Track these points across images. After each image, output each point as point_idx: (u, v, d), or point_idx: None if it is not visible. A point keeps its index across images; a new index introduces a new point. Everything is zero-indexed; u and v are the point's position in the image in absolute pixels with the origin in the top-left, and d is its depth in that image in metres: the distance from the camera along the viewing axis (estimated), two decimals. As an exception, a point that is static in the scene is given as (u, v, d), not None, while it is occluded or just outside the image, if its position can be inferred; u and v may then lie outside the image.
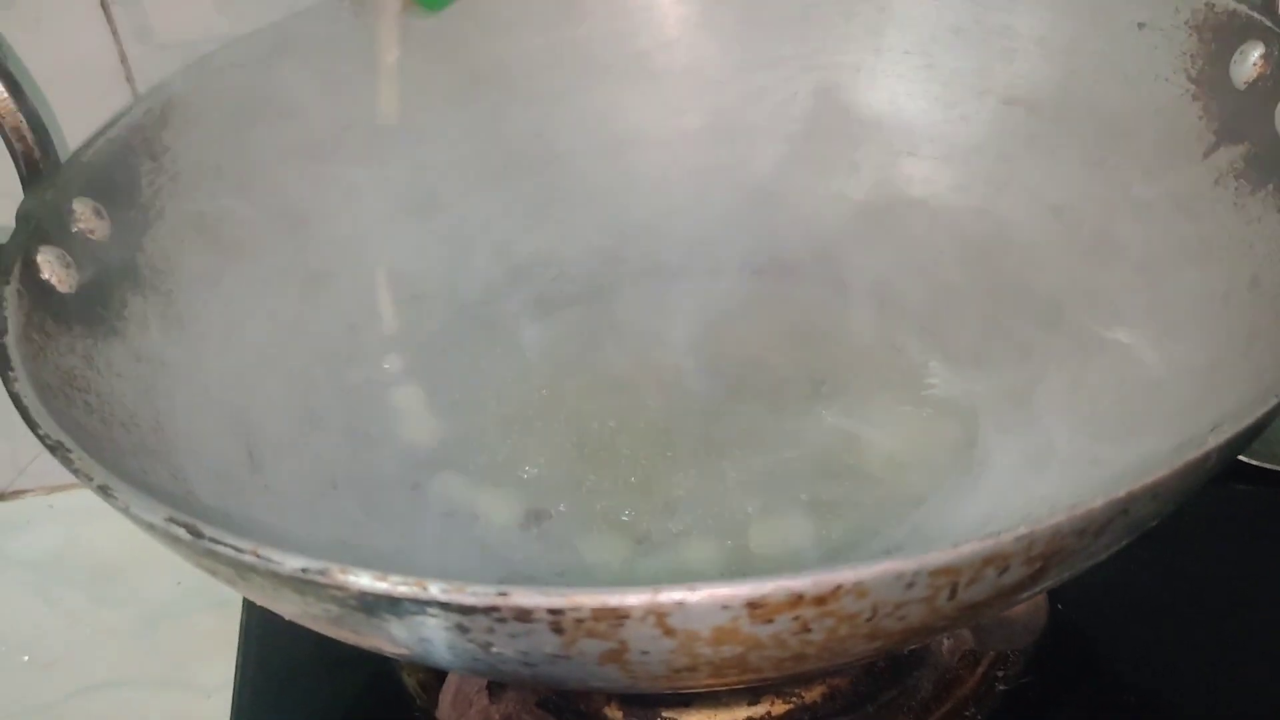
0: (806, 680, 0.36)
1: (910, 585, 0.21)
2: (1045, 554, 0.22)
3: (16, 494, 0.55)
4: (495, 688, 0.34)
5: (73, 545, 0.52)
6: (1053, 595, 0.38)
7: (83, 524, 0.53)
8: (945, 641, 0.37)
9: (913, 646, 0.27)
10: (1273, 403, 0.23)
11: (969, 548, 0.21)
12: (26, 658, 0.48)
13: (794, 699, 0.36)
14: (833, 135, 0.47)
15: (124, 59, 0.48)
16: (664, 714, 0.36)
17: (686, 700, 0.36)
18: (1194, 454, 0.22)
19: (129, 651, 0.47)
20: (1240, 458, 0.41)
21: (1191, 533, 0.41)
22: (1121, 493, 0.22)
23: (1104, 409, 0.35)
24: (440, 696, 0.34)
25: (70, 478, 0.50)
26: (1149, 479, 0.22)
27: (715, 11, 0.47)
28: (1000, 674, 0.37)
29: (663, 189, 0.47)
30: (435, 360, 0.42)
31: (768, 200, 0.47)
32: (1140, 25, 0.40)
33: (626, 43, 0.47)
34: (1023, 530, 0.21)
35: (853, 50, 0.46)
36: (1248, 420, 0.23)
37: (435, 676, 0.36)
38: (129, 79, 0.48)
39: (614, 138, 0.47)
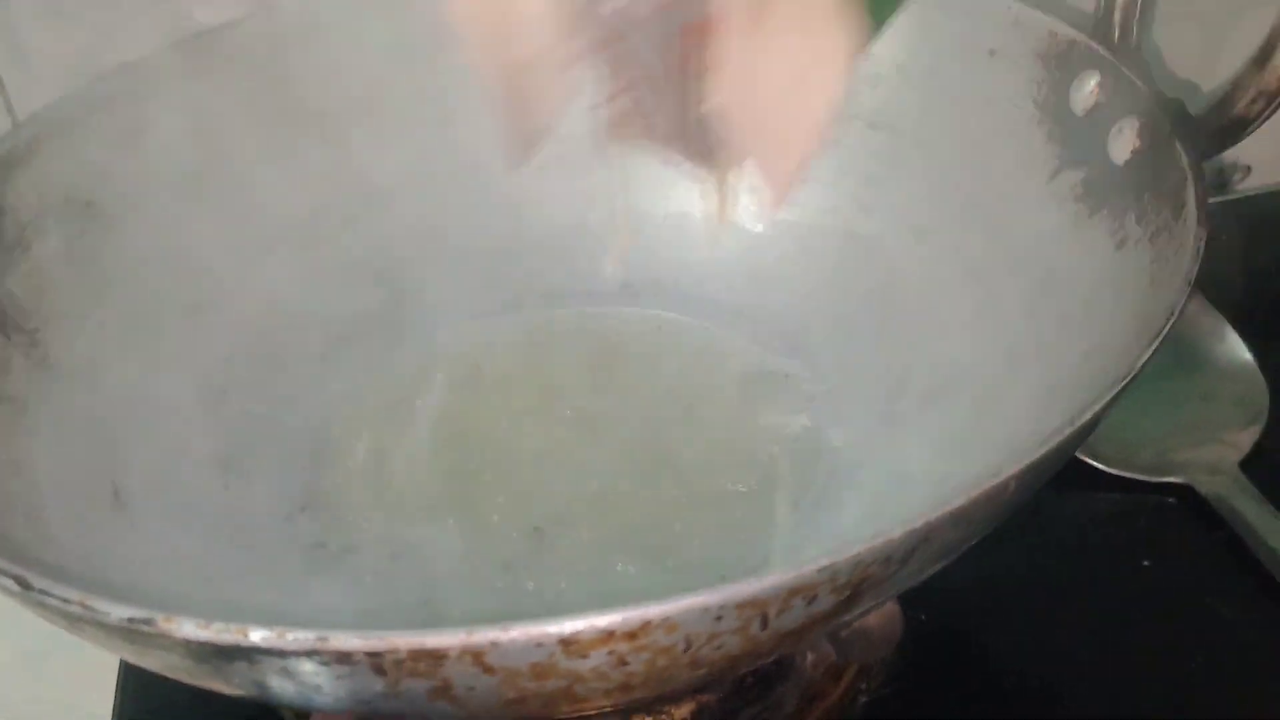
0: (674, 698, 0.37)
1: (719, 618, 0.22)
2: (853, 583, 0.23)
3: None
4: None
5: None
6: (916, 605, 0.39)
7: None
8: (809, 655, 0.38)
9: (750, 667, 0.28)
10: (1067, 432, 0.24)
11: (772, 580, 0.22)
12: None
13: (663, 716, 0.37)
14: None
15: (2, 87, 0.48)
16: (537, 734, 0.36)
17: None
18: (991, 483, 0.23)
19: (18, 686, 0.47)
20: (1094, 464, 0.43)
21: (1051, 540, 0.43)
22: (919, 523, 0.23)
23: (955, 429, 0.37)
24: (308, 728, 0.34)
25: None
26: (947, 508, 0.23)
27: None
28: (864, 685, 0.38)
29: (546, 213, 0.48)
30: (311, 390, 0.42)
31: (646, 223, 0.47)
32: (992, 53, 0.41)
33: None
34: (825, 561, 0.22)
35: (725, 74, 0.47)
36: (1042, 451, 0.24)
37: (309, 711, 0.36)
38: (9, 109, 0.48)
39: (494, 162, 0.47)
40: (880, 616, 0.36)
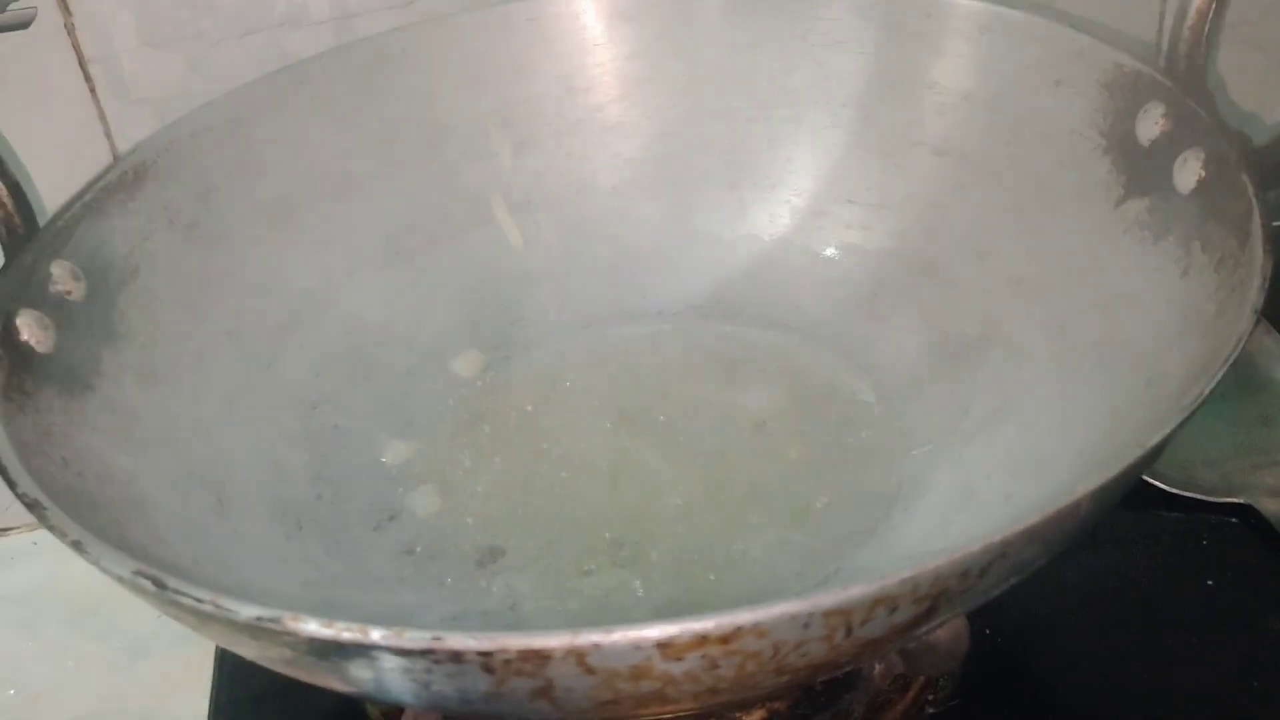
0: (746, 705, 0.38)
1: (806, 625, 0.24)
2: (932, 594, 0.24)
3: (2, 531, 0.57)
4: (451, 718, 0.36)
5: (56, 581, 0.53)
6: (982, 621, 0.40)
7: (66, 561, 0.53)
8: (877, 666, 0.39)
9: (827, 676, 0.29)
10: (1137, 454, 0.26)
11: (857, 590, 0.23)
12: (12, 691, 0.49)
13: (735, 722, 0.38)
14: (776, 183, 0.49)
15: (103, 116, 0.50)
16: (613, 742, 0.38)
17: (633, 725, 0.38)
18: (1064, 502, 0.25)
19: (110, 684, 0.49)
20: (1157, 484, 0.44)
21: (1115, 558, 0.44)
22: (997, 539, 0.24)
23: (1018, 447, 0.38)
24: (398, 726, 0.36)
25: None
26: (1023, 525, 0.24)
27: (665, 67, 0.49)
28: (930, 698, 0.39)
29: (616, 235, 0.49)
30: (396, 406, 0.44)
31: (716, 245, 0.49)
32: (1057, 83, 0.42)
33: (579, 97, 0.50)
34: (907, 573, 0.24)
35: (794, 103, 0.49)
36: (1114, 471, 0.25)
37: (396, 707, 0.38)
38: (108, 135, 0.50)
39: (568, 187, 0.50)
40: (948, 631, 0.37)
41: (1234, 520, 0.44)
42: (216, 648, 0.45)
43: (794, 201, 0.49)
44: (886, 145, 0.47)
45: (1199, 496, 0.44)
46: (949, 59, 0.45)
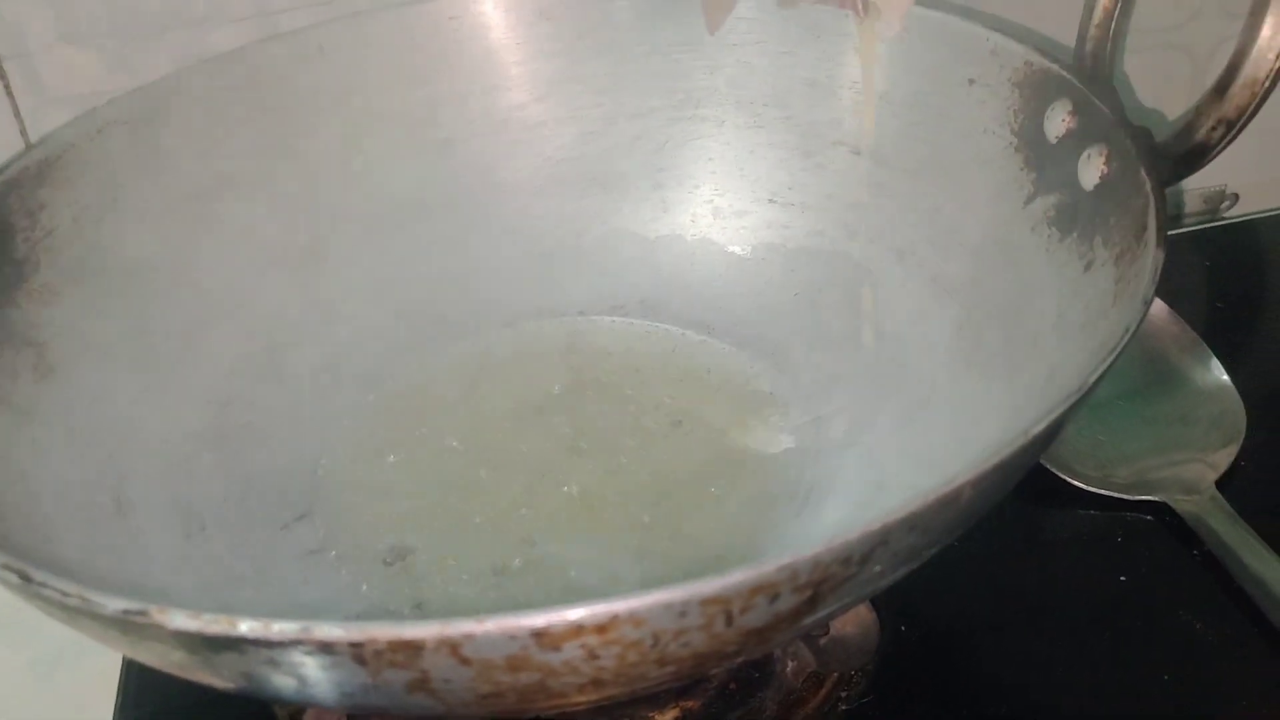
0: (658, 704, 0.38)
1: (683, 614, 0.23)
2: (813, 582, 0.24)
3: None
4: (354, 718, 0.36)
5: (-26, 592, 0.53)
6: (896, 616, 0.40)
7: None
8: (789, 663, 0.39)
9: (720, 667, 0.29)
10: (1019, 444, 0.25)
11: (735, 577, 0.23)
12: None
13: (647, 722, 0.38)
14: (698, 183, 0.49)
15: (18, 114, 0.49)
16: (522, 741, 0.37)
17: (545, 727, 0.37)
18: (945, 490, 0.24)
19: (28, 693, 0.48)
20: (1074, 482, 0.44)
21: (1031, 554, 0.44)
22: (876, 526, 0.24)
23: (927, 444, 0.38)
24: (300, 728, 0.35)
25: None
26: (902, 513, 0.24)
27: (586, 66, 0.49)
28: (844, 694, 0.39)
29: (539, 235, 0.49)
30: (310, 404, 0.44)
31: (638, 244, 0.49)
32: (971, 81, 0.42)
33: (503, 96, 0.49)
34: (785, 560, 0.23)
35: (716, 102, 0.49)
36: (993, 461, 0.25)
37: (301, 708, 0.37)
38: (24, 133, 0.50)
39: (491, 187, 0.49)
40: (858, 626, 0.37)
41: (1149, 518, 0.44)
42: (123, 659, 0.45)
43: (716, 201, 0.49)
44: (807, 145, 0.47)
45: (1115, 495, 0.44)
46: (867, 58, 0.45)
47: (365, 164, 0.48)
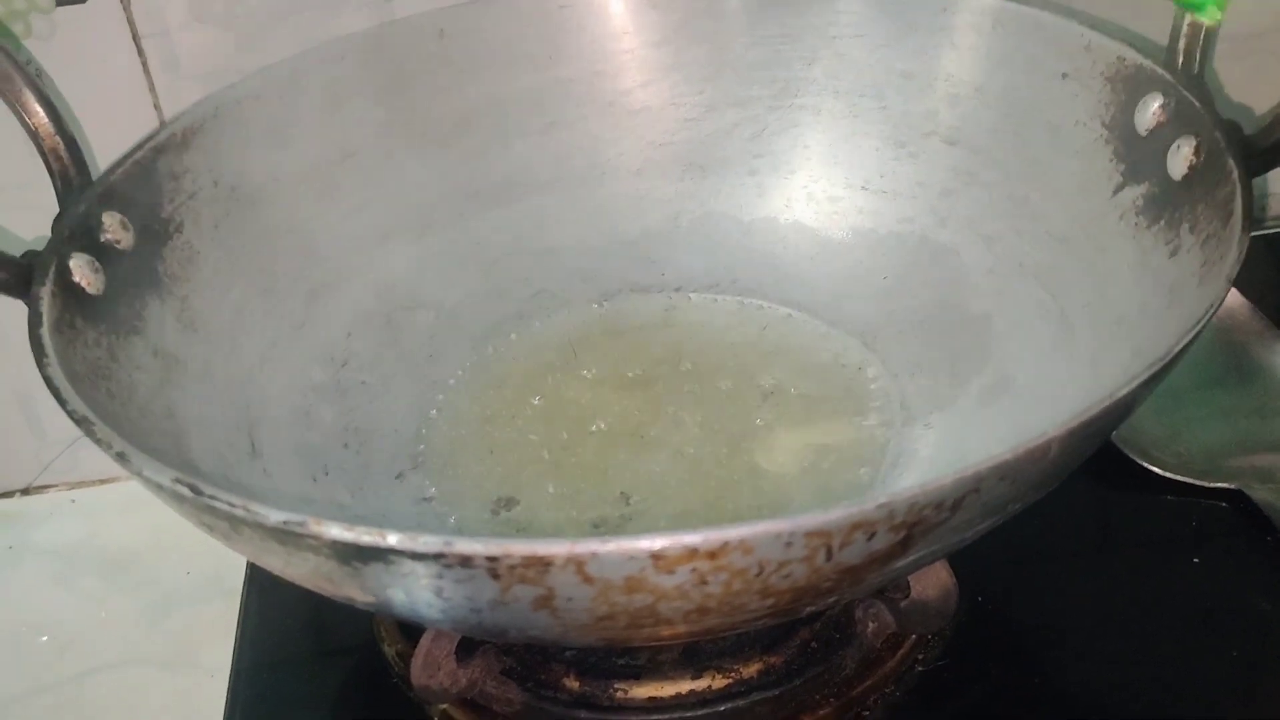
0: (745, 657, 0.40)
1: (789, 545, 0.25)
2: (907, 523, 0.26)
3: (41, 489, 0.59)
4: (462, 654, 0.38)
5: (92, 537, 0.56)
6: (973, 587, 0.42)
7: (101, 518, 0.57)
8: (870, 624, 0.40)
9: (810, 608, 0.31)
10: (1104, 404, 0.27)
11: (837, 513, 0.25)
12: (45, 638, 0.51)
13: (732, 673, 0.40)
14: (794, 169, 0.51)
15: (153, 89, 0.53)
16: (616, 685, 0.40)
17: (636, 673, 0.40)
18: (1035, 443, 0.26)
19: (139, 635, 0.51)
20: (1151, 468, 0.46)
21: (1107, 536, 0.45)
22: (969, 472, 0.26)
23: (1011, 419, 0.40)
24: (412, 661, 0.38)
25: (91, 474, 0.54)
26: (994, 461, 0.26)
27: (688, 54, 0.51)
28: (920, 656, 0.41)
29: (637, 215, 0.51)
30: (421, 365, 0.46)
31: (733, 226, 0.51)
32: (1064, 75, 0.44)
33: (608, 82, 0.52)
34: (883, 499, 0.25)
35: (814, 92, 0.50)
36: (1081, 419, 0.27)
37: (410, 647, 0.40)
38: (156, 106, 0.53)
39: (594, 168, 0.52)
40: (938, 591, 0.39)
41: (1224, 505, 0.45)
42: (241, 601, 0.47)
43: (810, 187, 0.51)
44: (901, 135, 0.49)
45: (1191, 481, 0.46)
46: (963, 52, 0.47)
47: (476, 142, 0.51)
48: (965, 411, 0.42)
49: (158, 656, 0.50)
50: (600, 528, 0.40)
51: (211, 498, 0.27)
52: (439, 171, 0.50)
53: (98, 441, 0.29)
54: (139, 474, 0.28)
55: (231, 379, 0.41)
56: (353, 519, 0.38)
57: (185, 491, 0.27)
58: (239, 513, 0.27)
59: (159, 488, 0.28)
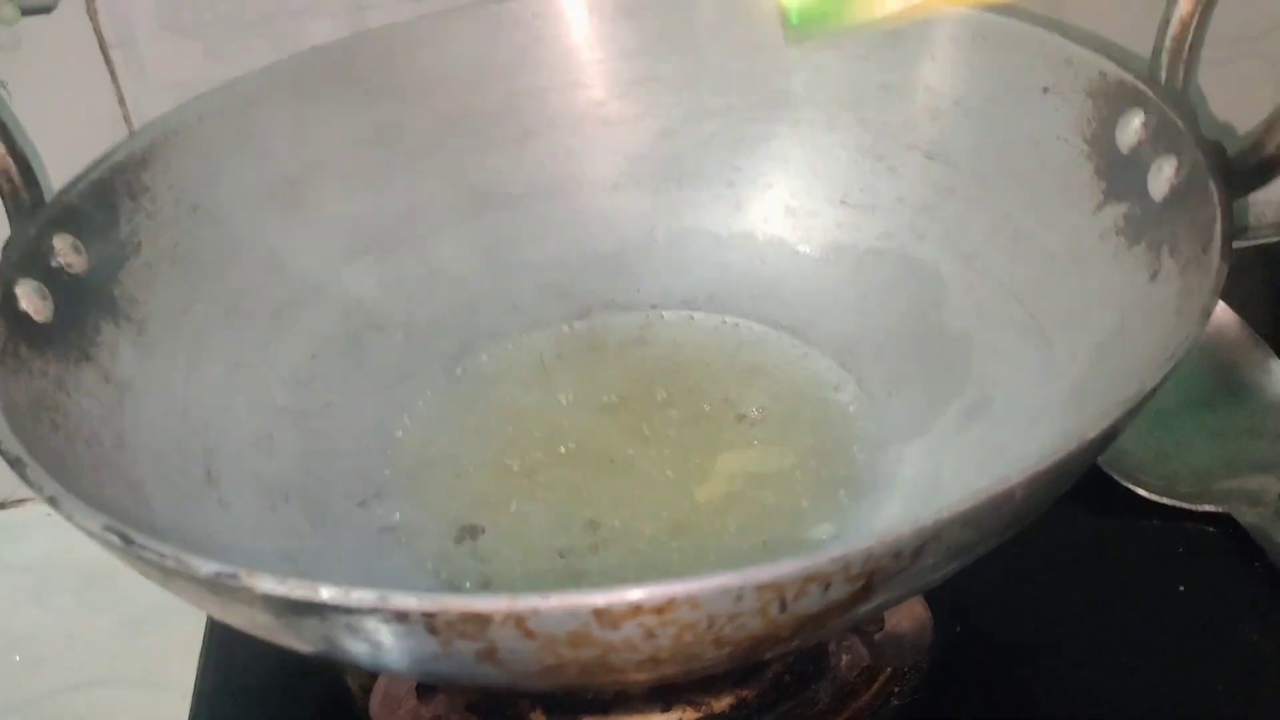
0: (714, 691, 0.39)
1: (739, 599, 0.24)
2: (866, 573, 0.25)
3: (17, 503, 0.59)
4: (423, 690, 0.37)
5: (66, 553, 0.55)
6: (951, 615, 0.41)
7: (76, 533, 0.55)
8: (844, 656, 0.39)
9: (771, 654, 0.30)
10: (1072, 446, 0.26)
11: (788, 566, 0.24)
12: (18, 657, 0.51)
13: (704, 707, 0.39)
14: (772, 182, 0.50)
15: (122, 100, 0.52)
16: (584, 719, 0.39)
17: (605, 707, 0.39)
18: (997, 489, 0.25)
19: (113, 653, 0.50)
20: (1138, 491, 0.45)
21: (1090, 560, 0.44)
22: (928, 521, 0.25)
23: (987, 444, 0.38)
24: (370, 699, 0.37)
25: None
26: (955, 509, 0.25)
27: (665, 65, 0.50)
28: (896, 689, 0.40)
29: (613, 229, 0.50)
30: (389, 386, 0.45)
31: (710, 242, 0.50)
32: (1045, 89, 0.43)
33: (583, 93, 0.51)
34: (838, 552, 0.24)
35: (793, 104, 0.49)
36: (1047, 462, 0.26)
37: (372, 680, 0.39)
38: (126, 118, 0.52)
39: (569, 181, 0.51)
40: (913, 623, 0.38)
41: (1212, 529, 0.44)
42: (206, 622, 0.47)
43: (788, 201, 0.50)
44: (880, 148, 0.48)
45: (1179, 504, 0.45)
46: (942, 64, 0.46)
47: (448, 155, 0.50)
48: (944, 433, 0.41)
49: (130, 675, 0.50)
50: (567, 557, 0.39)
51: (141, 547, 0.26)
52: (409, 186, 0.49)
53: (29, 484, 0.28)
54: (69, 519, 0.27)
55: (189, 404, 0.40)
56: (309, 552, 0.37)
57: (115, 540, 0.26)
58: (169, 563, 0.26)
59: (89, 534, 0.27)
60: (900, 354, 0.44)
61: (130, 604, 0.52)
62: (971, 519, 0.25)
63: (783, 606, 0.25)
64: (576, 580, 0.38)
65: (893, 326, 0.45)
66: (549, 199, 0.50)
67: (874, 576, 0.25)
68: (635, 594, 0.24)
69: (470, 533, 0.40)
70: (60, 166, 0.47)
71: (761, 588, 0.24)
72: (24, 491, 0.58)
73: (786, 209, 0.50)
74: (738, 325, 0.48)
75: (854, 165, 0.48)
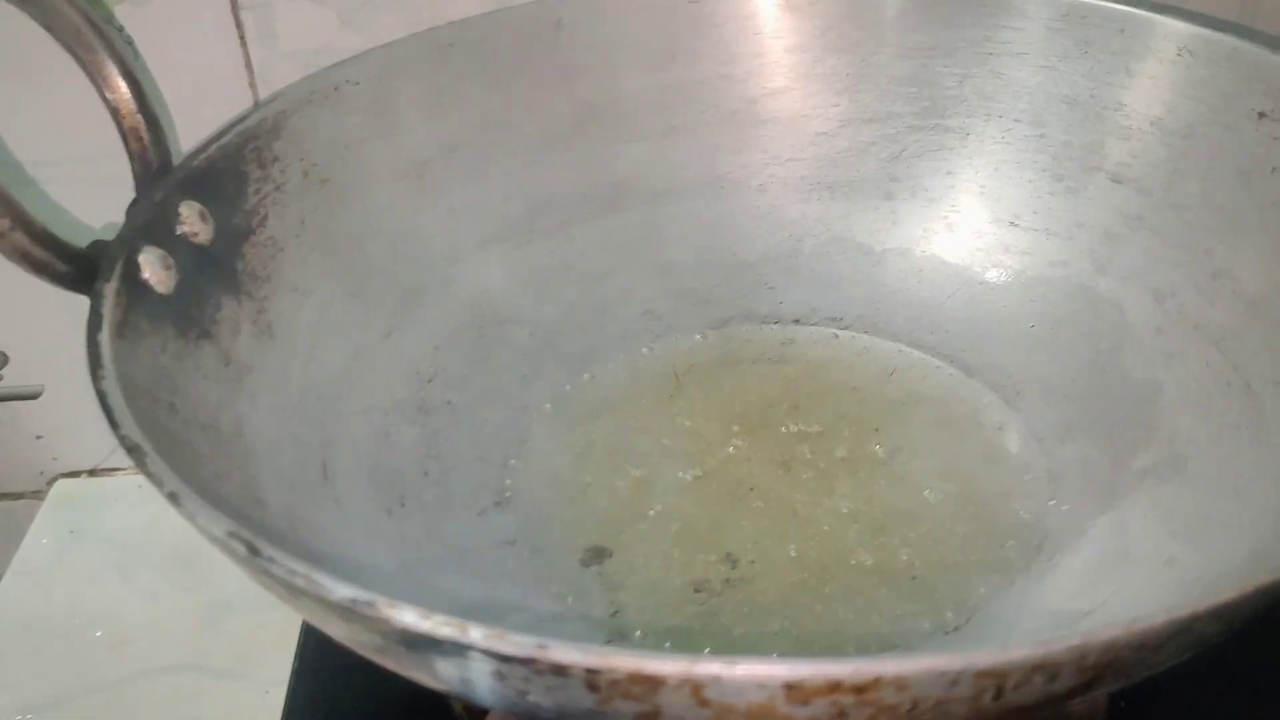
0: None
1: (954, 684, 0.21)
2: (1099, 665, 0.22)
3: (109, 472, 0.57)
4: None
5: (155, 528, 0.54)
6: (1119, 691, 0.37)
7: (165, 507, 0.54)
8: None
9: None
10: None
11: (1019, 652, 0.21)
12: (99, 633, 0.49)
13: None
14: (934, 197, 0.46)
15: (249, 65, 0.49)
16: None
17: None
18: (1267, 579, 0.21)
19: (196, 639, 0.49)
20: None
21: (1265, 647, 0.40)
22: (1185, 613, 0.21)
23: (1183, 507, 0.34)
24: (483, 723, 0.34)
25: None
26: (1216, 600, 0.21)
27: (827, 63, 0.47)
28: (1058, 767, 0.36)
29: (757, 235, 0.47)
30: (513, 387, 0.43)
31: (862, 256, 0.47)
32: (1260, 115, 0.39)
33: (735, 88, 0.47)
34: (1076, 641, 0.21)
35: (963, 113, 0.46)
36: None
37: (482, 711, 0.36)
38: (252, 85, 0.50)
39: (714, 180, 0.47)
40: (1085, 705, 0.34)
41: None
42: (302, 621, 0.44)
43: (951, 218, 0.46)
44: (1060, 167, 0.44)
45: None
46: (1140, 80, 0.42)
47: (588, 145, 0.47)
48: (1127, 490, 0.36)
49: (212, 664, 0.48)
50: (702, 592, 0.36)
51: (270, 560, 0.23)
52: (545, 174, 0.46)
53: (149, 476, 0.26)
54: (191, 520, 0.25)
55: (308, 392, 0.37)
56: (426, 563, 0.34)
57: (240, 549, 0.23)
58: (299, 582, 0.23)
59: (212, 539, 0.24)
60: (1074, 396, 0.40)
61: (217, 588, 0.50)
62: (1232, 610, 0.21)
63: (998, 694, 0.21)
64: (712, 619, 0.35)
65: (1066, 364, 0.41)
66: (691, 199, 0.47)
67: (1109, 668, 0.22)
68: (837, 669, 0.20)
69: (597, 555, 0.37)
70: (182, 129, 0.45)
71: (981, 674, 0.21)
72: (115, 460, 0.57)
73: (948, 225, 0.46)
74: (889, 347, 0.44)
75: (1028, 184, 0.44)
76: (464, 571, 0.36)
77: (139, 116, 0.36)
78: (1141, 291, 0.41)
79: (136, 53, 0.39)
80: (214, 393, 0.34)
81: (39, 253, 0.32)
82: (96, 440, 0.55)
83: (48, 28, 0.35)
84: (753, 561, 0.37)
